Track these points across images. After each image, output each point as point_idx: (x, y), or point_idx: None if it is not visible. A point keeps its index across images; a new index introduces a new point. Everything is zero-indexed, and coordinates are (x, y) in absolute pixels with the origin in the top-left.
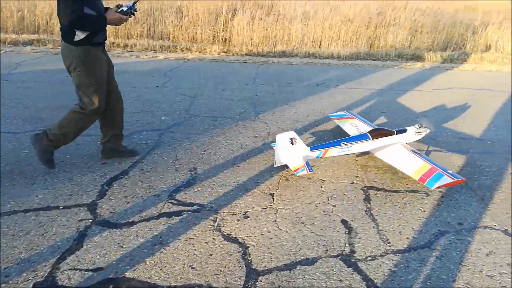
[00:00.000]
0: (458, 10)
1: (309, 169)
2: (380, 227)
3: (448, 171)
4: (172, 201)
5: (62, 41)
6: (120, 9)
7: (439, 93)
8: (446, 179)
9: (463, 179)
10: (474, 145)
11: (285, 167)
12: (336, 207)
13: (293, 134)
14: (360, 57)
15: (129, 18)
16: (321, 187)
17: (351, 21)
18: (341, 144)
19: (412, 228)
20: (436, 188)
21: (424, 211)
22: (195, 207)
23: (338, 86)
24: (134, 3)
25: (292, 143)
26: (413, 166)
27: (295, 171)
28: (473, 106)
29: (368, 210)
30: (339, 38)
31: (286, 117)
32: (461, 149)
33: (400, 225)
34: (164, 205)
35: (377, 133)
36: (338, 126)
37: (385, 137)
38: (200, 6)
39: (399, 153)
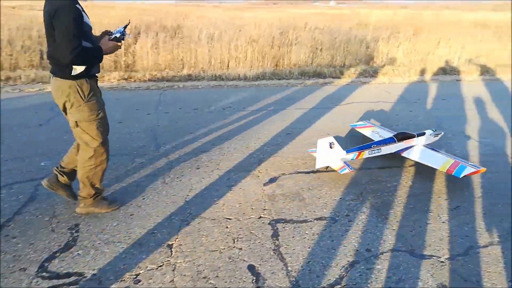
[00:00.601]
0: (352, 27)
1: (350, 168)
2: (289, 268)
3: (469, 163)
4: (43, 274)
5: (54, 78)
6: (113, 36)
7: (340, 109)
8: (469, 169)
9: (484, 168)
10: (375, 159)
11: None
12: (243, 250)
13: (331, 139)
14: (266, 77)
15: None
16: (227, 227)
17: (256, 42)
18: (372, 146)
19: (322, 263)
20: (463, 176)
21: (333, 240)
22: (72, 279)
23: (245, 108)
24: (125, 27)
25: (331, 147)
26: (439, 161)
27: (338, 170)
28: (371, 119)
29: (276, 248)
30: (245, 59)
31: (190, 148)
32: (364, 165)
33: (309, 261)
34: (31, 282)
35: (401, 136)
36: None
37: (408, 140)
38: (98, 30)
39: (425, 152)
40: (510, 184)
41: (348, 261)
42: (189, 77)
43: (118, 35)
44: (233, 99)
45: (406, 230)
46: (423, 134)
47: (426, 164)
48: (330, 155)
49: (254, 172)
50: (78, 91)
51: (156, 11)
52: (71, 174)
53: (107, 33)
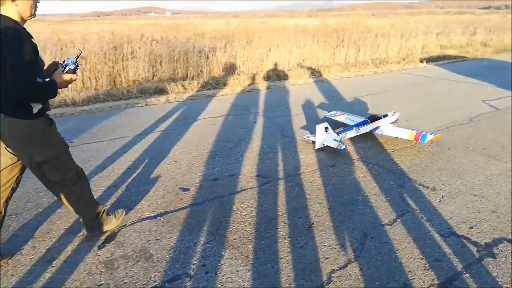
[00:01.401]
0: (189, 38)
1: (345, 145)
2: None
3: (429, 132)
4: None
5: (9, 119)
6: (67, 68)
7: (185, 129)
8: (430, 136)
9: (439, 134)
10: (227, 184)
11: None
12: None
13: (326, 124)
14: (100, 99)
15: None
16: None
17: (84, 58)
18: (354, 128)
19: None
20: (427, 142)
21: None
22: None
23: (73, 142)
24: (77, 57)
25: (326, 131)
26: (406, 134)
27: (336, 147)
28: (219, 137)
29: None
30: None
31: None
32: (216, 194)
33: None
34: None
35: (372, 118)
36: None
37: (377, 120)
38: None
39: (392, 128)
40: (353, 191)
41: None
42: None
43: (72, 66)
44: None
45: (268, 267)
46: (387, 115)
47: (396, 136)
48: (327, 137)
49: (84, 231)
50: (42, 129)
51: None
52: None
53: (55, 64)
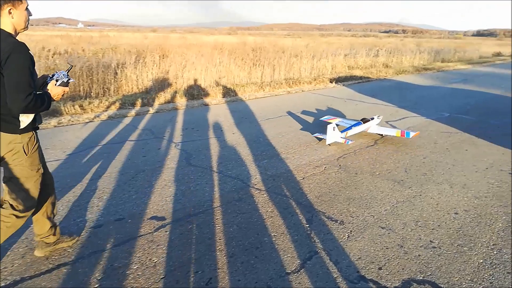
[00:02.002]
0: (97, 52)
1: (351, 141)
2: None
3: (411, 130)
4: None
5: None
6: (60, 81)
7: (72, 159)
8: (412, 133)
9: (418, 132)
10: (112, 233)
11: None
12: None
13: (334, 124)
14: None
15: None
16: None
17: None
18: (352, 128)
19: None
20: (412, 137)
21: None
22: None
23: None
24: (68, 71)
25: (334, 129)
26: (393, 132)
27: (344, 143)
28: (112, 170)
29: None
30: None
31: None
32: (95, 247)
33: None
34: None
35: (364, 120)
36: None
37: (368, 122)
38: None
39: (381, 128)
40: (259, 231)
41: None
42: None
43: (65, 79)
44: None
45: None
46: (373, 118)
47: (385, 134)
48: (335, 134)
49: None
50: (24, 145)
51: None
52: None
53: (43, 77)
